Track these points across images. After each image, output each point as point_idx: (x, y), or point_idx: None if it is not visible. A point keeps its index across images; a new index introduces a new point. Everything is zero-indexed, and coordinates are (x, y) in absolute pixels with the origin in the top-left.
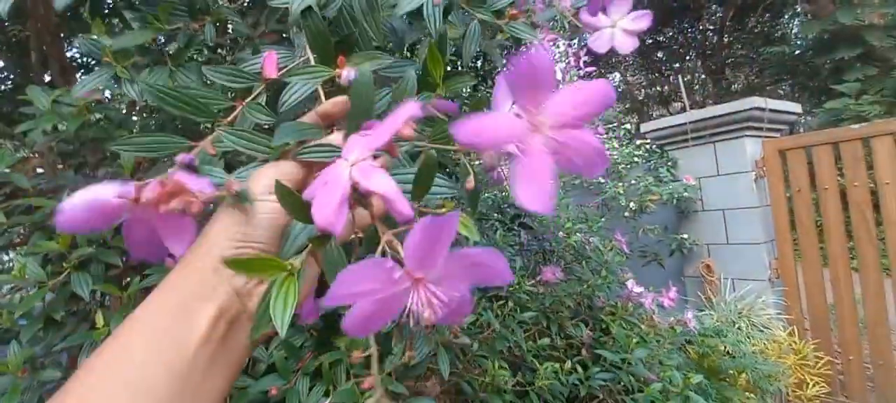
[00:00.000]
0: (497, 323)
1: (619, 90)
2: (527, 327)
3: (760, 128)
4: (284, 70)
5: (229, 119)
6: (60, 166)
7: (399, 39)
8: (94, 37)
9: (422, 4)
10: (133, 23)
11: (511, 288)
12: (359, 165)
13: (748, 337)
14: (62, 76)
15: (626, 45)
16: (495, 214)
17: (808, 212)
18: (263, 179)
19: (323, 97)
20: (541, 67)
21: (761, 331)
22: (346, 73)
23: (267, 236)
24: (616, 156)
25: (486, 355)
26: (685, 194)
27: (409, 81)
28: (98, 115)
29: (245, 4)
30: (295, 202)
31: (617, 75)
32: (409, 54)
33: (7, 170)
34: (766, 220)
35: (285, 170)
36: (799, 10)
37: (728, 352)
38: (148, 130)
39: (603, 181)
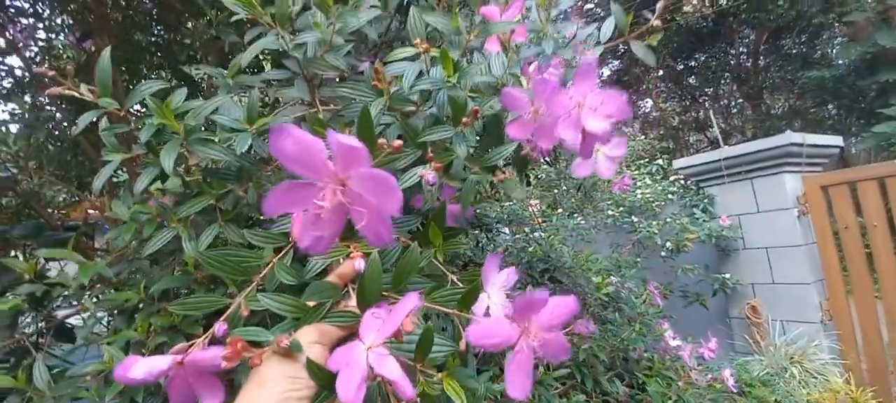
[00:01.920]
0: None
1: (652, 117)
2: (562, 382)
3: (799, 164)
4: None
5: (260, 276)
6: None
7: (403, 197)
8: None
9: (419, 181)
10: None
11: None
12: (374, 351)
13: (802, 386)
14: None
15: (608, 170)
16: (526, 270)
17: (858, 250)
18: (306, 335)
19: (341, 261)
20: (539, 302)
21: (815, 378)
22: (358, 264)
23: (311, 384)
24: (649, 195)
25: None
26: (726, 233)
27: (413, 254)
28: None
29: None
30: (324, 377)
31: (648, 102)
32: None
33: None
34: (812, 259)
35: (324, 329)
36: (836, 32)
37: None
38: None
39: (636, 219)
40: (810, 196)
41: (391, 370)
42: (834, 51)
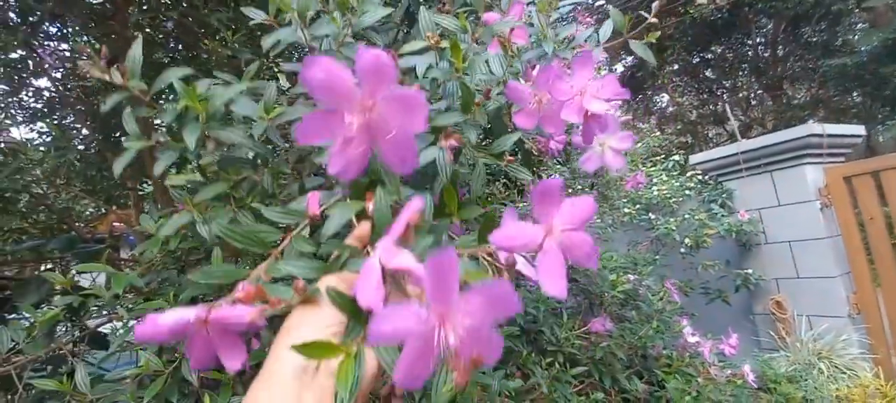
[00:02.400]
0: (545, 385)
1: (669, 111)
2: (580, 380)
3: (820, 155)
4: (324, 208)
5: (279, 249)
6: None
7: (418, 178)
8: (180, 184)
9: (435, 158)
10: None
11: (559, 341)
12: (382, 249)
13: (830, 381)
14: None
15: (616, 163)
16: None
17: (884, 242)
18: (325, 281)
19: (355, 222)
20: (554, 188)
21: (844, 374)
22: (372, 206)
23: (337, 321)
24: (665, 191)
25: None
26: (746, 228)
27: (427, 210)
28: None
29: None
30: (344, 300)
31: (664, 97)
32: (428, 187)
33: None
34: (837, 251)
35: (344, 276)
36: (856, 18)
37: (807, 400)
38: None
39: (653, 216)
40: (833, 187)
41: (404, 260)
42: (856, 37)
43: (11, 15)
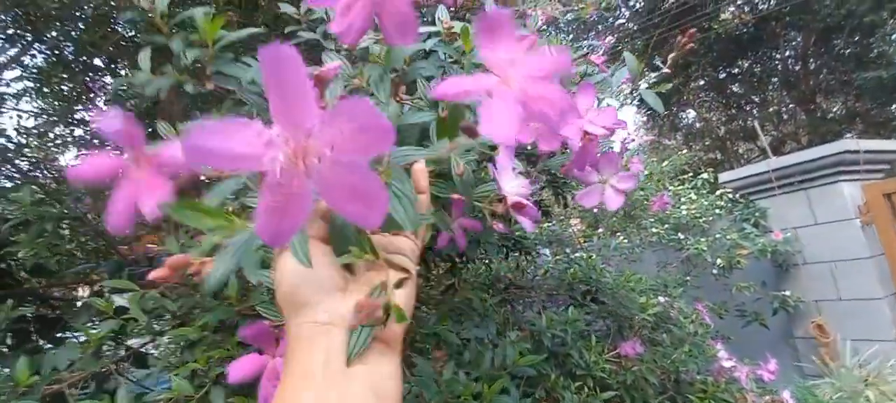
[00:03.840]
0: None
1: (696, 127)
2: None
3: (858, 171)
4: None
5: None
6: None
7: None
8: None
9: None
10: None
11: (589, 365)
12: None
13: None
14: None
15: (615, 202)
16: (567, 292)
17: None
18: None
19: None
20: (500, 20)
21: (892, 400)
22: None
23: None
24: (694, 210)
25: None
26: (781, 247)
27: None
28: None
29: None
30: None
31: (691, 112)
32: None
33: (156, 296)
34: (881, 271)
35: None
36: (889, 29)
37: None
38: None
39: (682, 236)
40: (873, 204)
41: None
42: (892, 49)
43: (67, 53)
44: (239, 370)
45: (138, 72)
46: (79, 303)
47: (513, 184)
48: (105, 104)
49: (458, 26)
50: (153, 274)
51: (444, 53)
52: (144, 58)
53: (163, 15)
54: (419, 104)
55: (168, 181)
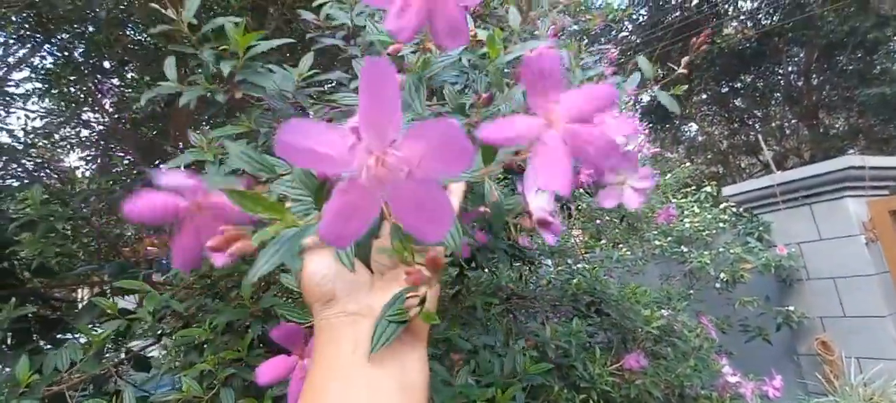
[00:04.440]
0: None
1: (699, 141)
2: None
3: (863, 187)
4: None
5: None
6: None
7: None
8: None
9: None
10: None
11: (592, 378)
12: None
13: None
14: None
15: (634, 201)
16: (571, 303)
17: None
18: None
19: None
20: (550, 67)
21: None
22: None
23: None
24: (697, 224)
25: None
26: (784, 263)
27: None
28: None
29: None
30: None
31: (693, 126)
32: None
33: (167, 298)
34: (886, 289)
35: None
36: (893, 46)
37: None
38: None
39: (685, 249)
40: (878, 221)
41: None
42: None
43: (77, 55)
44: (269, 371)
45: (165, 82)
46: (80, 305)
47: (538, 199)
48: (112, 107)
49: (482, 33)
50: (211, 243)
51: (467, 59)
52: (170, 66)
53: (190, 25)
54: (445, 110)
55: (225, 224)
